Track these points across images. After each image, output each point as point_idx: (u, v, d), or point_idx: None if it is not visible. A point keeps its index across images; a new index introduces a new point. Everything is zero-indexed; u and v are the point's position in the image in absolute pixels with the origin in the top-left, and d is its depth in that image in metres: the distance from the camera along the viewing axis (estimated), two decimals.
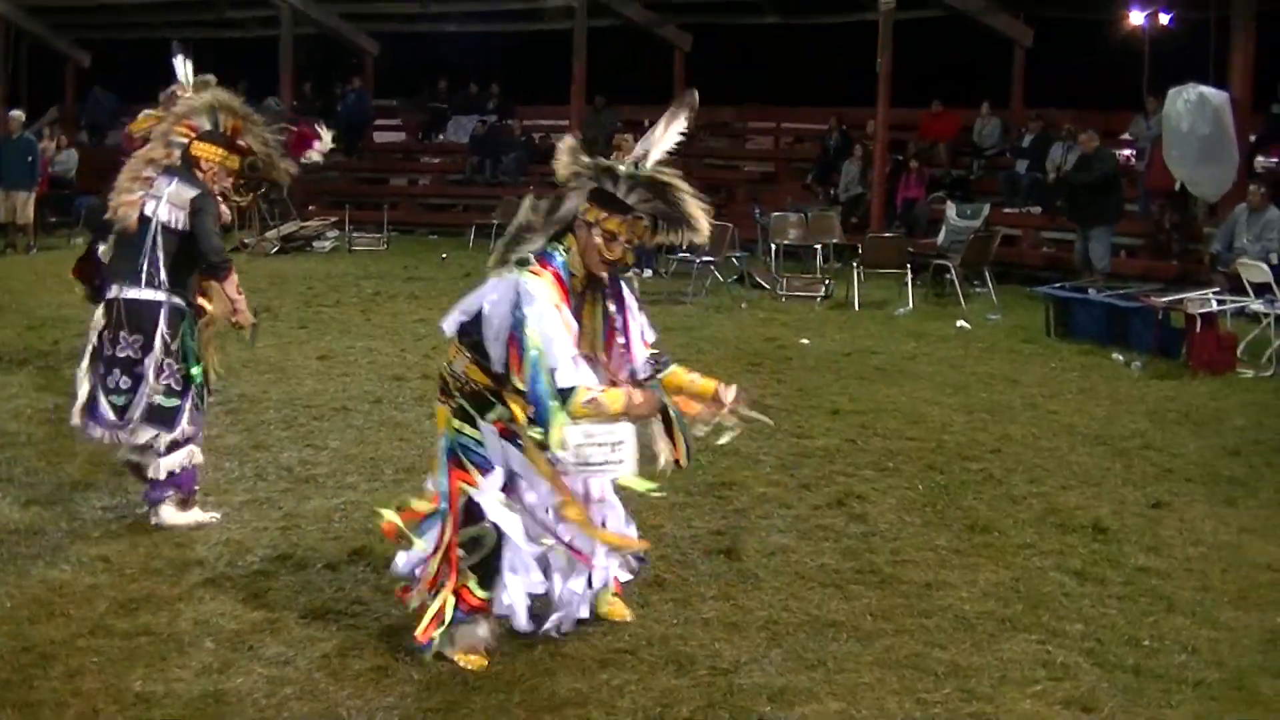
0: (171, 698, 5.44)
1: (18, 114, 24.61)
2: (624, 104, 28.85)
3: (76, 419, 7.77)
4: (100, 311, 7.69)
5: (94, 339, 7.67)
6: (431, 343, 13.53)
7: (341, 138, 30.39)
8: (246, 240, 23.57)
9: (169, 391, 7.57)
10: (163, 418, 7.56)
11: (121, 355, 7.53)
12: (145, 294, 7.50)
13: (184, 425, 7.64)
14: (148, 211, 7.51)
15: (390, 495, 8.06)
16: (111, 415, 7.58)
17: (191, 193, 7.52)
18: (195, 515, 7.69)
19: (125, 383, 7.55)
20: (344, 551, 7.16)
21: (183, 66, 9.50)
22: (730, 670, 5.84)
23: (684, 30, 28.31)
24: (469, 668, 5.72)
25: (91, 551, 7.16)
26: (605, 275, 5.96)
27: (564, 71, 27.10)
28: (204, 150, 7.69)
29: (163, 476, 7.63)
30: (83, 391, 7.69)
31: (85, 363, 7.71)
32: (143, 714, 5.30)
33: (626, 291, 6.12)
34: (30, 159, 23.36)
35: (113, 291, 7.60)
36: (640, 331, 6.12)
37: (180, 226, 7.49)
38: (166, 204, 7.50)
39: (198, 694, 5.46)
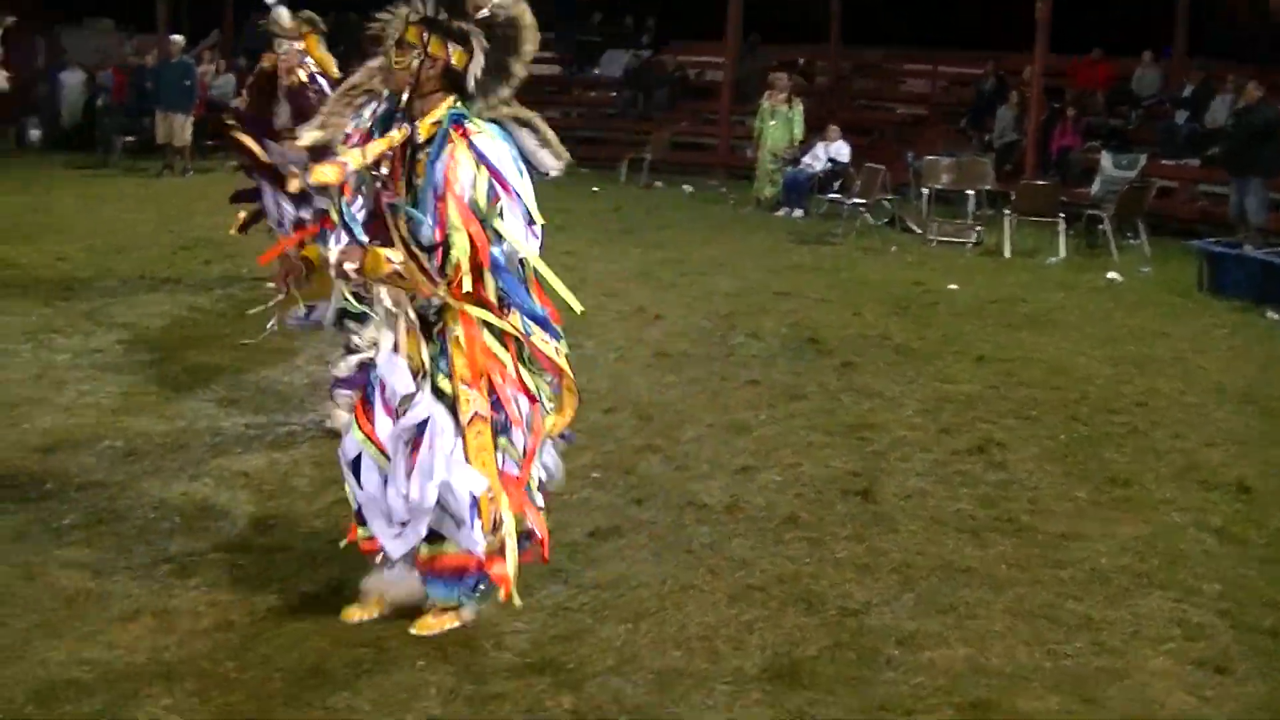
0: (304, 611, 5.54)
1: (178, 38, 24.98)
2: (778, 42, 28.65)
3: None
4: None
5: None
6: (579, 275, 13.58)
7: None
8: None
9: (357, 298, 7.78)
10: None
11: None
12: None
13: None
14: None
15: None
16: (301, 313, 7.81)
17: None
18: None
19: None
20: None
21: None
22: (860, 611, 5.81)
23: None
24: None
25: (233, 467, 7.31)
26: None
27: (719, 7, 26.87)
28: None
29: (344, 373, 7.90)
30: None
31: None
32: (273, 627, 5.40)
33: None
34: (188, 82, 23.73)
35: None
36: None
37: None
38: None
39: (328, 611, 5.54)
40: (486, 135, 5.16)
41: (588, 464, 7.49)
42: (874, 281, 14.65)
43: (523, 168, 5.21)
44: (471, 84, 5.22)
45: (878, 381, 9.89)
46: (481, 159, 5.09)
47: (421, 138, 5.18)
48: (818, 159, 21.26)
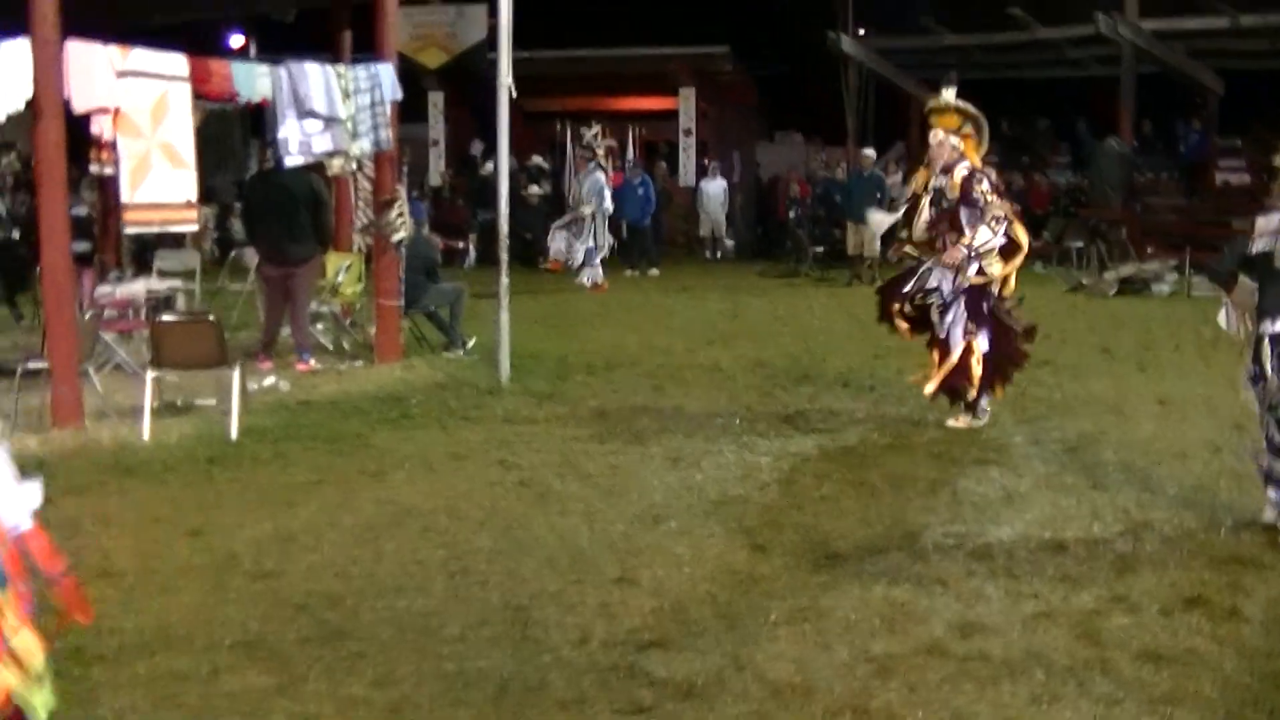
0: None
1: (869, 152, 25.88)
2: None
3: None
4: (1270, 346, 8.13)
5: (1262, 372, 8.21)
6: None
7: (1181, 178, 30.12)
8: (1085, 280, 23.69)
9: None
10: None
11: None
12: None
13: None
14: None
15: (1228, 551, 7.94)
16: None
17: None
18: None
19: None
20: (1179, 598, 7.08)
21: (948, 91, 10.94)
22: None
23: None
24: None
25: (930, 574, 7.47)
26: None
27: None
28: None
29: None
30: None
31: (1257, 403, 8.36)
32: None
33: None
34: (880, 195, 24.48)
35: (1267, 327, 8.12)
36: None
37: None
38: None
39: None
40: None
41: None
42: None
43: None
44: None
45: None
46: None
47: None
48: None
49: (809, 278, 25.07)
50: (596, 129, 23.23)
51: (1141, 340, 17.26)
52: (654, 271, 26.58)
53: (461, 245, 26.81)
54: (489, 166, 26.23)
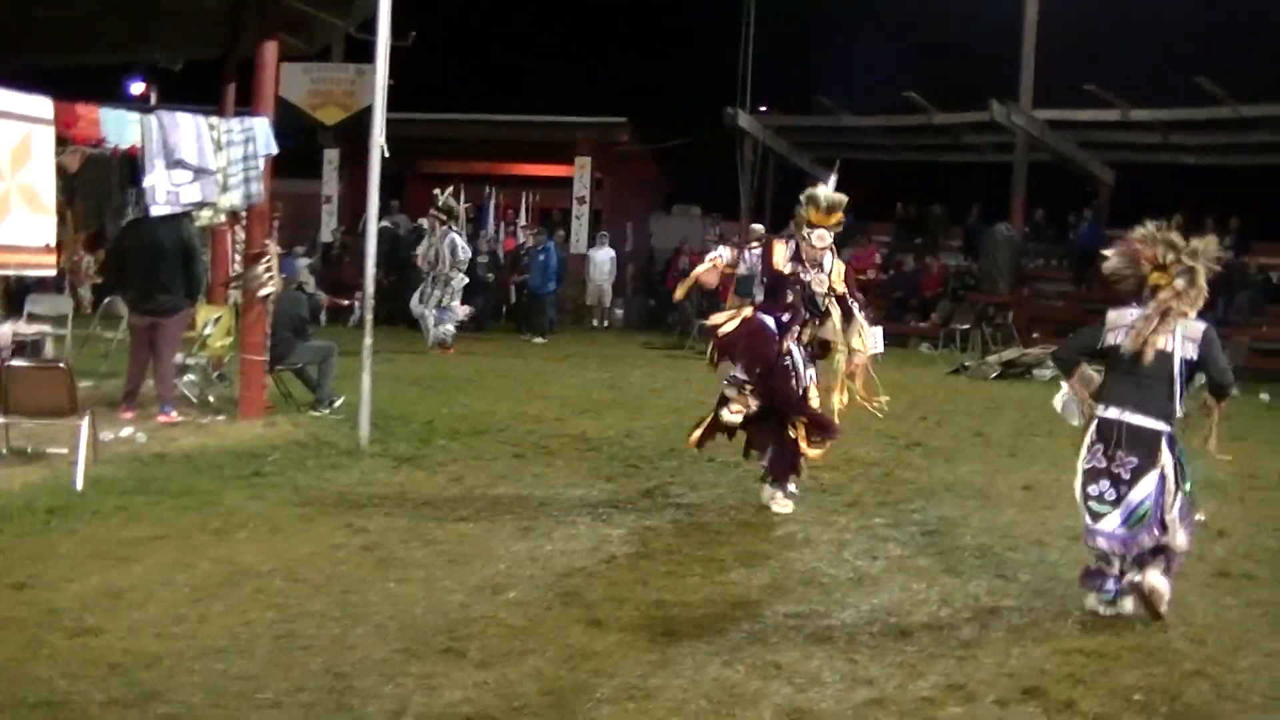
0: None
1: (757, 227, 25.86)
2: None
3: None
4: (1095, 429, 8.26)
5: (1086, 454, 8.30)
6: None
7: (1073, 266, 30.41)
8: (968, 363, 23.77)
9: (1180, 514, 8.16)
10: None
11: (1114, 471, 8.11)
12: (1149, 423, 8.08)
13: (1182, 540, 8.25)
14: (1165, 347, 8.09)
15: (1072, 642, 7.84)
16: (1088, 519, 8.24)
17: (1201, 325, 8.22)
18: None
19: (1110, 495, 8.13)
20: (1017, 688, 6.94)
21: (829, 182, 10.77)
22: None
23: None
24: None
25: (767, 656, 7.30)
26: None
27: None
28: (1161, 279, 8.29)
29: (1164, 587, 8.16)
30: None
31: (1079, 478, 8.35)
32: None
33: None
34: None
35: (1112, 414, 8.17)
36: None
37: (1192, 358, 8.14)
38: (1183, 339, 8.13)
39: None
40: None
41: (1130, 684, 7.13)
42: None
43: None
44: None
45: None
46: None
47: None
48: None
49: (692, 350, 24.97)
50: (450, 189, 23.11)
51: (1017, 425, 17.26)
52: (539, 340, 26.54)
53: (347, 303, 26.53)
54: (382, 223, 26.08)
